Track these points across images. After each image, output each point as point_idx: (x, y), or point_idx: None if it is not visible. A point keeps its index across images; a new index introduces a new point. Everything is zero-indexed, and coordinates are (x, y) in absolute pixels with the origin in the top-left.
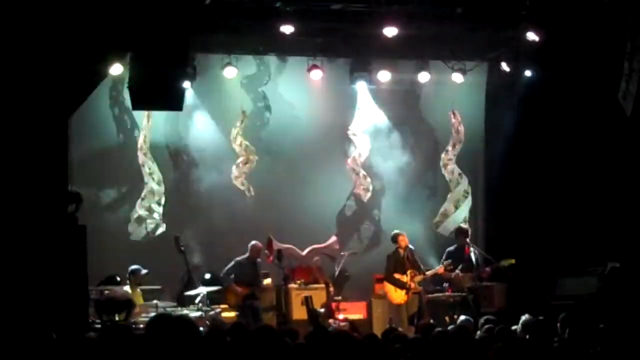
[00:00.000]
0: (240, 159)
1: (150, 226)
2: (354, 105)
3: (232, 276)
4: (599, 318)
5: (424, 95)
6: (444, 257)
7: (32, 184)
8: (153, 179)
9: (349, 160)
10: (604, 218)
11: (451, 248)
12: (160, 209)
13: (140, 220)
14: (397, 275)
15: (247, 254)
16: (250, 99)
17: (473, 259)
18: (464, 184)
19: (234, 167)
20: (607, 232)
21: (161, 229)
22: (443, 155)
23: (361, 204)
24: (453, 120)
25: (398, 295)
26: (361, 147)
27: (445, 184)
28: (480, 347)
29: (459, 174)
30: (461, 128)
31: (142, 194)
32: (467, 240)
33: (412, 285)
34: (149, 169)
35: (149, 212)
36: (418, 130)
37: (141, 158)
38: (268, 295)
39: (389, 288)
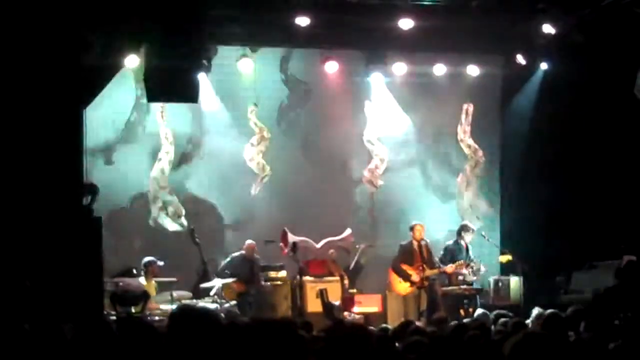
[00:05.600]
0: (255, 137)
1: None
2: (368, 97)
3: (227, 272)
4: (616, 312)
5: (439, 87)
6: (442, 253)
7: (47, 176)
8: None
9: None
10: (620, 211)
11: (450, 243)
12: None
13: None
14: (404, 267)
15: (242, 251)
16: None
17: (471, 254)
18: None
19: (247, 146)
20: (623, 226)
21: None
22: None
23: (376, 196)
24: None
25: (402, 287)
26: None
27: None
28: (495, 341)
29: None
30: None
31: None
32: (470, 237)
33: (418, 279)
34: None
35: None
36: (433, 122)
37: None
38: (276, 291)
39: (394, 278)
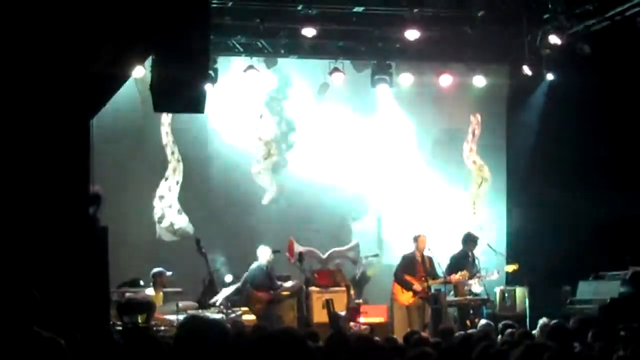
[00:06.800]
0: (262, 153)
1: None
2: (375, 107)
3: (249, 285)
4: (622, 322)
5: (445, 98)
6: (448, 262)
7: (54, 185)
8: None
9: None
10: (626, 222)
11: (455, 253)
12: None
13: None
14: (406, 277)
15: (256, 262)
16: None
17: (477, 264)
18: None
19: (254, 162)
20: (630, 236)
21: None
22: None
23: (382, 207)
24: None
25: (405, 297)
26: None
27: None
28: (501, 352)
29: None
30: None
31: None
32: (475, 246)
33: (420, 288)
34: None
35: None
36: (439, 132)
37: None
38: (282, 301)
39: (397, 288)
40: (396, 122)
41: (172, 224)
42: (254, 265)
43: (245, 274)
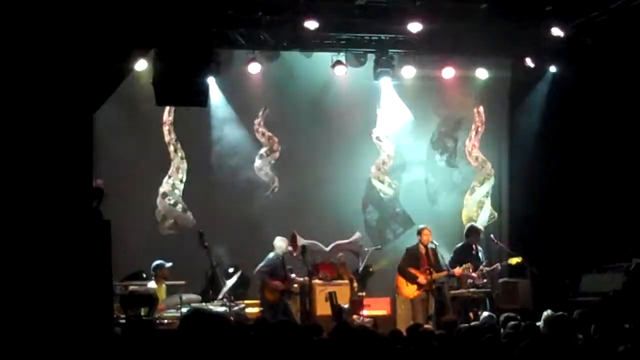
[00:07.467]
0: (264, 149)
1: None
2: (378, 100)
3: (265, 274)
4: (625, 315)
5: (448, 90)
6: (452, 255)
7: (57, 179)
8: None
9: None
10: (629, 214)
11: (459, 245)
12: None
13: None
14: (411, 270)
15: (274, 252)
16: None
17: (480, 256)
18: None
19: (256, 158)
20: (633, 228)
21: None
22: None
23: (385, 200)
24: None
25: (409, 290)
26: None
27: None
28: (506, 344)
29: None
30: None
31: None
32: (479, 239)
33: (425, 281)
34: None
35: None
36: (442, 125)
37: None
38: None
39: (401, 281)
40: (398, 115)
41: (175, 222)
42: (271, 254)
43: (262, 263)
